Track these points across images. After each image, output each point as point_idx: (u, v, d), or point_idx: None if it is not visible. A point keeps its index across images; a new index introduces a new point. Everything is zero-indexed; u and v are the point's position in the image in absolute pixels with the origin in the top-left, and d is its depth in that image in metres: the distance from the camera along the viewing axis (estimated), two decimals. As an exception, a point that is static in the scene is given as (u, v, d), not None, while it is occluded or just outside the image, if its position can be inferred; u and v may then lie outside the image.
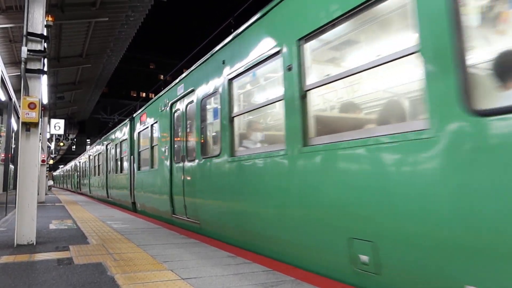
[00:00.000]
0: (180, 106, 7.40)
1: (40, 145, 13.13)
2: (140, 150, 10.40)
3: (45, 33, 5.64)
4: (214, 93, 5.64)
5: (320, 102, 4.39)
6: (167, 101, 8.06)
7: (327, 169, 3.31)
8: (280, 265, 3.82)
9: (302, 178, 3.60)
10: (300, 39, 3.69)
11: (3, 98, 7.99)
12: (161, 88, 9.46)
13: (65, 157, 61.79)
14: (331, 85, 3.64)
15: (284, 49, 3.90)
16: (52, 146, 27.25)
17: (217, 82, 5.48)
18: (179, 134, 7.45)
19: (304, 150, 3.57)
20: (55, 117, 23.43)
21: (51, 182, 39.15)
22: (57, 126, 20.72)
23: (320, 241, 3.40)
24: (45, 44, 5.61)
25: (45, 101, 14.11)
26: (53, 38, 12.91)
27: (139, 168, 10.38)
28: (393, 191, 2.65)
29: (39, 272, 3.63)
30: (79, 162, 27.84)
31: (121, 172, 12.78)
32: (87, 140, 69.79)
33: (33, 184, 5.27)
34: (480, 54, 2.42)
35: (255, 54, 4.48)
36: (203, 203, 5.95)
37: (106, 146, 15.65)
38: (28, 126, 5.31)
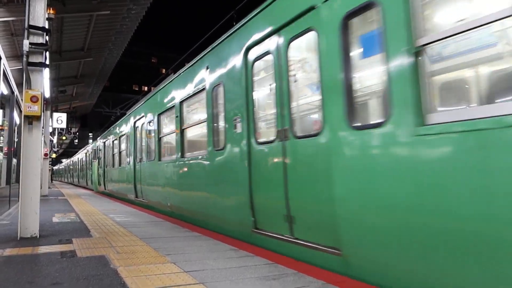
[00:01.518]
0: None
1: (42, 139, 13.17)
2: None
3: (46, 26, 5.62)
4: None
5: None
6: None
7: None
8: (282, 258, 3.83)
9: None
10: None
11: (6, 92, 7.99)
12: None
13: (67, 151, 62.01)
14: None
15: None
16: (55, 140, 27.30)
17: None
18: None
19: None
20: (57, 111, 23.43)
21: None
22: (60, 120, 20.73)
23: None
24: (47, 37, 5.59)
25: (47, 94, 14.13)
26: (54, 31, 12.89)
27: None
28: None
29: (43, 264, 3.65)
30: (104, 142, 16.65)
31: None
32: (89, 134, 69.90)
33: (36, 177, 5.29)
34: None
35: None
36: None
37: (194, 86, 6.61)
38: (31, 120, 5.32)
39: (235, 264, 3.61)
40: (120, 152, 13.00)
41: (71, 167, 38.79)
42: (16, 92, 9.39)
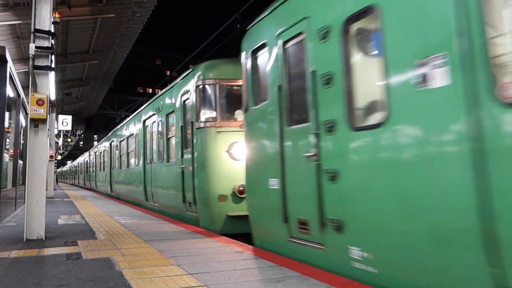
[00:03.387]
0: None
1: (48, 141, 13.23)
2: None
3: (52, 30, 5.67)
4: None
5: None
6: None
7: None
8: (286, 261, 3.83)
9: None
10: None
11: (12, 95, 8.06)
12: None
13: (72, 153, 62.35)
14: None
15: None
16: (60, 142, 27.46)
17: None
18: None
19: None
20: (62, 113, 23.60)
21: None
22: (65, 122, 20.86)
23: None
24: (53, 41, 5.64)
25: (52, 97, 14.24)
26: (60, 34, 12.98)
27: None
28: None
29: (49, 266, 3.68)
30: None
31: None
32: (94, 136, 70.22)
33: (42, 179, 5.33)
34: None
35: None
36: None
37: None
38: (37, 122, 5.37)
39: (239, 267, 3.63)
40: None
41: (90, 168, 25.92)
42: (22, 94, 9.47)
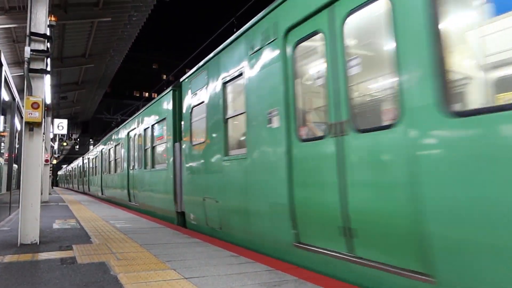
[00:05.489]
0: None
1: (43, 145, 13.15)
2: None
3: (48, 33, 5.65)
4: None
5: None
6: None
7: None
8: (283, 265, 3.82)
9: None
10: None
11: (7, 98, 8.02)
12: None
13: (68, 157, 62.09)
14: None
15: None
16: (56, 146, 27.32)
17: None
18: None
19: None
20: (58, 117, 23.51)
21: None
22: (60, 126, 20.74)
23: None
24: (48, 44, 5.62)
25: (48, 101, 14.17)
26: (56, 38, 12.97)
27: None
28: None
29: (43, 271, 3.64)
30: None
31: None
32: (90, 140, 69.96)
33: (37, 183, 5.29)
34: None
35: None
36: None
37: None
38: (32, 126, 5.33)
39: (235, 271, 3.60)
40: None
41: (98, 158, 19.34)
42: (18, 98, 9.42)
